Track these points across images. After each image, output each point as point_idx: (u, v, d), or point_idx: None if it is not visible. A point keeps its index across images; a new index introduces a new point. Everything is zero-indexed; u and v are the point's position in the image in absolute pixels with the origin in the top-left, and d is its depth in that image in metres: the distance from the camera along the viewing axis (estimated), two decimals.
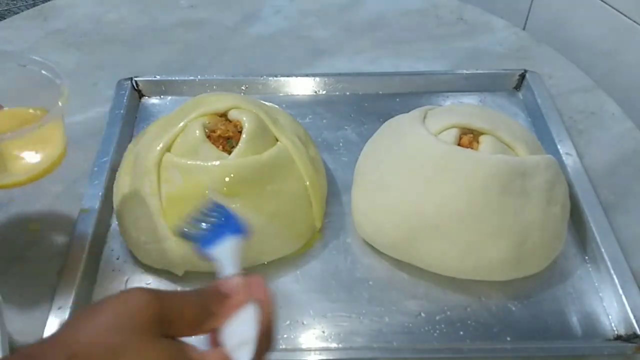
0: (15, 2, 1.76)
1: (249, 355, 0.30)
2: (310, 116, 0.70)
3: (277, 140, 0.57)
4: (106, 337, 0.28)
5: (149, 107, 0.72)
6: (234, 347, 0.30)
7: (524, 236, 0.51)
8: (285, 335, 0.51)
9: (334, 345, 0.51)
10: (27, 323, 0.51)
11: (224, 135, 0.55)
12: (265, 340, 0.32)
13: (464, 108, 0.60)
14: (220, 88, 0.72)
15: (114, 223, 0.59)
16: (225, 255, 0.35)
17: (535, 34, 0.85)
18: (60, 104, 0.50)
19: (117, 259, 0.57)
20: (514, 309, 0.53)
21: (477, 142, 0.55)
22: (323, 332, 0.52)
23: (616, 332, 0.52)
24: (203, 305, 0.32)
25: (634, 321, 0.51)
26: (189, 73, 0.75)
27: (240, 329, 0.31)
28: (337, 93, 0.73)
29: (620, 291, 0.52)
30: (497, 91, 0.74)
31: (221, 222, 0.37)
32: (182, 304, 0.31)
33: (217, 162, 0.52)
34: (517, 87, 0.74)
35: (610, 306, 0.53)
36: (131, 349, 0.27)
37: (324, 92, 0.73)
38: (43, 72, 0.53)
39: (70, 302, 0.51)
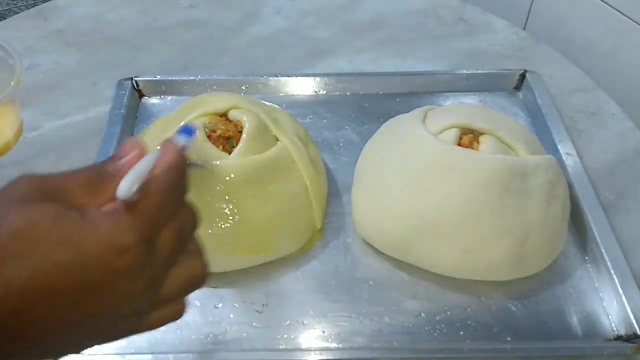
0: (15, 2, 1.76)
1: (127, 184, 0.28)
2: (310, 116, 0.70)
3: (277, 140, 0.57)
4: None
5: (149, 107, 0.72)
6: (118, 188, 0.29)
7: (524, 236, 0.51)
8: (285, 335, 0.51)
9: (334, 345, 0.51)
10: None
11: (224, 135, 0.55)
12: (166, 181, 0.30)
13: (464, 108, 0.60)
14: (220, 88, 0.72)
15: None
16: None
17: (536, 34, 0.85)
18: (12, 84, 0.49)
19: None
20: (514, 309, 0.53)
21: (477, 142, 0.55)
22: (323, 332, 0.52)
23: (616, 332, 0.52)
24: (98, 169, 0.31)
25: (634, 321, 0.51)
26: (189, 73, 0.75)
27: (129, 174, 0.29)
28: (338, 93, 0.73)
29: (621, 291, 0.52)
30: (497, 91, 0.74)
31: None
32: (71, 173, 0.30)
33: (217, 162, 0.52)
34: (517, 87, 0.74)
35: (610, 306, 0.53)
36: (9, 214, 0.26)
37: (324, 92, 0.73)
38: None
39: None
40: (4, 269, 0.25)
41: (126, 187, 0.28)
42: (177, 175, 0.31)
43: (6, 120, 0.52)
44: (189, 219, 0.32)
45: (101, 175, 0.30)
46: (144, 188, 0.29)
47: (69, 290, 0.26)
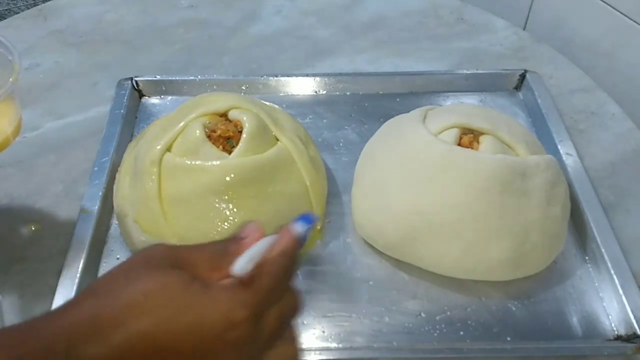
0: (15, 1, 1.76)
1: (240, 265, 0.31)
2: (310, 116, 0.70)
3: (277, 140, 0.57)
4: (122, 270, 0.31)
5: (149, 107, 0.72)
6: (235, 265, 0.31)
7: (524, 236, 0.51)
8: None
9: (334, 345, 0.51)
10: None
11: (224, 135, 0.55)
12: (279, 264, 0.33)
13: (464, 108, 0.60)
14: (220, 88, 0.72)
15: (114, 223, 0.59)
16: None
17: (536, 33, 0.85)
18: (11, 80, 0.49)
19: (117, 259, 0.57)
20: (514, 309, 0.53)
21: (478, 142, 0.55)
22: (323, 332, 0.52)
23: (616, 332, 0.52)
24: (221, 247, 0.33)
25: (634, 321, 0.51)
26: (189, 73, 0.75)
27: (246, 253, 0.32)
28: (338, 93, 0.73)
29: (621, 291, 0.52)
30: (497, 91, 0.74)
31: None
32: (198, 248, 0.33)
33: (218, 162, 0.52)
34: (518, 87, 0.74)
35: (610, 306, 0.53)
36: (145, 275, 0.30)
37: (325, 92, 0.73)
38: None
39: None
40: (134, 322, 0.28)
41: (240, 265, 0.31)
42: (289, 260, 0.34)
43: (5, 116, 0.52)
44: (292, 304, 0.34)
45: (224, 253, 0.33)
46: (259, 268, 0.32)
47: (180, 352, 0.29)
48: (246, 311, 0.30)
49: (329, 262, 0.56)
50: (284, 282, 0.33)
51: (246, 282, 0.31)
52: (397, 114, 0.62)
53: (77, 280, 0.52)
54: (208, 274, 0.32)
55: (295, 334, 0.35)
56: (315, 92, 0.73)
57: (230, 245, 0.33)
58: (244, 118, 0.55)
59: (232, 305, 0.30)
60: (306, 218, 0.36)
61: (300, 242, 0.35)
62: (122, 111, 0.67)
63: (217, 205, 0.52)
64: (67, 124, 0.70)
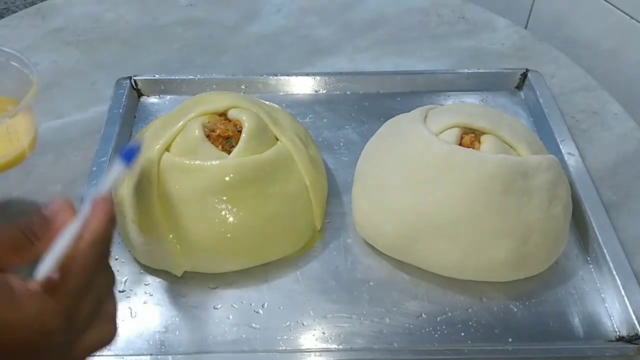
0: (13, 0, 1.76)
1: (45, 269, 0.29)
2: (310, 115, 0.70)
3: (277, 139, 0.56)
4: None
5: (148, 107, 0.71)
6: (40, 264, 0.29)
7: (525, 237, 0.51)
8: (285, 337, 0.51)
9: (334, 346, 0.50)
10: None
11: (223, 135, 0.55)
12: (89, 257, 0.31)
13: (465, 107, 0.60)
14: (219, 87, 0.71)
15: None
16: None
17: (537, 32, 0.84)
18: (29, 95, 0.50)
19: (116, 259, 0.56)
20: (515, 309, 0.53)
21: (479, 141, 0.54)
22: (323, 333, 0.51)
23: (618, 333, 0.51)
24: (24, 229, 0.31)
25: (636, 322, 0.50)
26: (188, 72, 0.75)
27: (49, 256, 0.30)
28: (338, 92, 0.73)
29: (623, 292, 0.52)
30: (498, 90, 0.73)
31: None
32: None
33: (217, 162, 0.52)
34: (519, 86, 0.74)
35: (612, 307, 0.53)
36: None
37: (325, 92, 0.73)
38: (12, 62, 0.52)
39: None
40: None
41: (43, 272, 0.29)
42: (101, 247, 0.32)
43: (22, 129, 0.52)
44: (106, 283, 0.33)
45: (27, 236, 0.31)
46: (66, 268, 0.29)
47: None
48: (58, 320, 0.29)
49: (329, 262, 0.56)
50: (98, 269, 0.32)
51: (53, 287, 0.29)
52: (398, 114, 0.62)
53: None
54: (10, 259, 0.30)
55: (112, 311, 0.34)
56: (315, 91, 0.73)
57: (35, 227, 0.31)
58: (244, 117, 0.55)
59: (42, 315, 0.28)
60: (128, 154, 0.34)
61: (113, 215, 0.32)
62: (120, 111, 0.67)
63: (216, 205, 0.52)
64: (65, 123, 0.70)
